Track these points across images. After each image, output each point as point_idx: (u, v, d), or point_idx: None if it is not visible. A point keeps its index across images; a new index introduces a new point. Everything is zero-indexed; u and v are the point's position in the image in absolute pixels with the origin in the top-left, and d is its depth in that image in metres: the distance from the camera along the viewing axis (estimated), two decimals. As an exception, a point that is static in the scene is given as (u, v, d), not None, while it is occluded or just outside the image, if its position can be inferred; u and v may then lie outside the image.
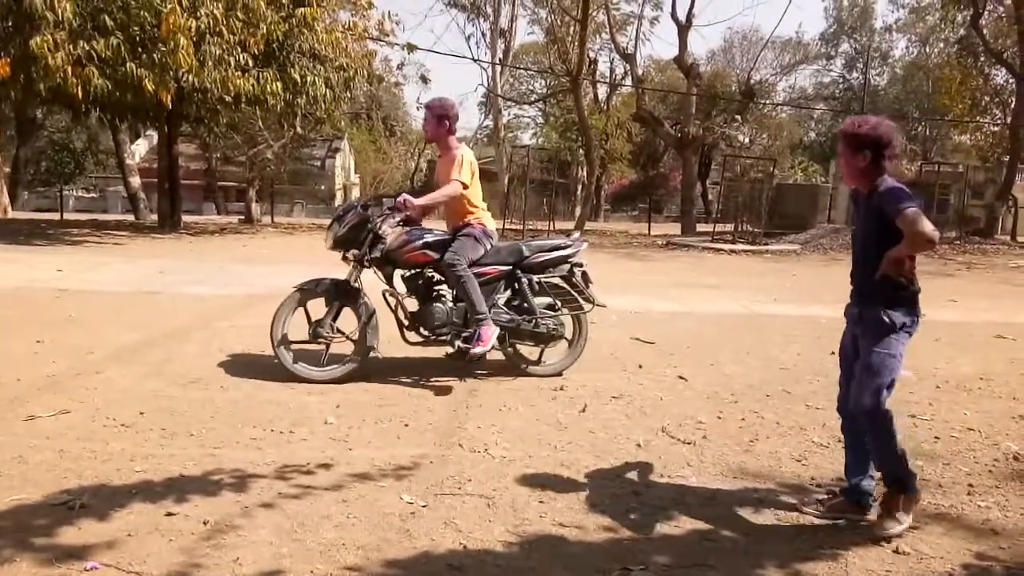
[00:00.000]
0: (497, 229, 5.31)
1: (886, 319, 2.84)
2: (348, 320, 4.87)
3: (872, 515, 2.98)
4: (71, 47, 11.42)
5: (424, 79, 28.95)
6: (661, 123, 27.20)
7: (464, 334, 4.80)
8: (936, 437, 4.09)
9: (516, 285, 4.99)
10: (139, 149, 33.12)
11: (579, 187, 34.71)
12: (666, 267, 13.67)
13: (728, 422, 4.27)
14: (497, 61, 31.55)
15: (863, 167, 2.86)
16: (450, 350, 4.88)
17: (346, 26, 16.48)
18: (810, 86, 48.63)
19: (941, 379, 5.35)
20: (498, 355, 5.06)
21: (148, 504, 2.94)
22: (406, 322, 4.92)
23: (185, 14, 11.45)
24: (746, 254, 16.63)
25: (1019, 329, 7.45)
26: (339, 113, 22.57)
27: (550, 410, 4.36)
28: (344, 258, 4.87)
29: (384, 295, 4.92)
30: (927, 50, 40.86)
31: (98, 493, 3.02)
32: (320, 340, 4.78)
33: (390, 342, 5.00)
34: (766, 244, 18.19)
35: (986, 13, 23.35)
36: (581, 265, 5.14)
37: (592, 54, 30.32)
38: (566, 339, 5.16)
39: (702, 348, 6.20)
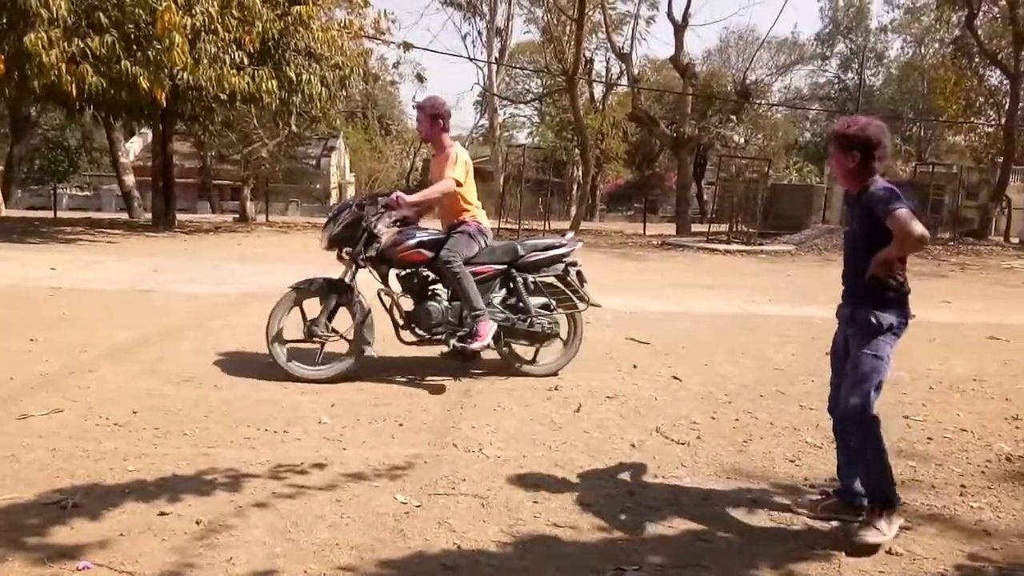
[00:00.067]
0: (493, 228, 5.31)
1: (874, 320, 2.84)
2: (344, 319, 4.86)
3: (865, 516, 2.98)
4: (65, 44, 11.38)
5: (420, 78, 29.15)
6: (657, 123, 27.20)
7: (459, 333, 4.80)
8: (929, 438, 4.10)
9: (511, 284, 4.99)
10: (133, 147, 32.94)
11: (575, 187, 34.64)
12: (661, 267, 13.69)
13: (722, 422, 4.27)
14: (493, 60, 31.49)
15: (852, 168, 2.87)
16: (445, 349, 4.89)
17: (342, 24, 16.45)
18: (805, 86, 48.78)
19: (935, 380, 5.37)
20: (493, 354, 5.06)
21: (141, 503, 2.93)
22: (401, 321, 4.91)
23: (180, 12, 11.41)
24: (741, 254, 16.66)
25: (1013, 330, 7.48)
26: (334, 112, 22.59)
27: (545, 410, 4.36)
28: (339, 257, 4.86)
29: (379, 294, 4.92)
30: (922, 51, 40.92)
31: (91, 492, 3.02)
32: (315, 339, 4.77)
33: (385, 341, 4.99)
34: (761, 244, 18.22)
35: (981, 14, 23.44)
36: (576, 264, 5.14)
37: (588, 53, 30.43)
38: (561, 339, 5.16)
39: (697, 348, 6.21)
